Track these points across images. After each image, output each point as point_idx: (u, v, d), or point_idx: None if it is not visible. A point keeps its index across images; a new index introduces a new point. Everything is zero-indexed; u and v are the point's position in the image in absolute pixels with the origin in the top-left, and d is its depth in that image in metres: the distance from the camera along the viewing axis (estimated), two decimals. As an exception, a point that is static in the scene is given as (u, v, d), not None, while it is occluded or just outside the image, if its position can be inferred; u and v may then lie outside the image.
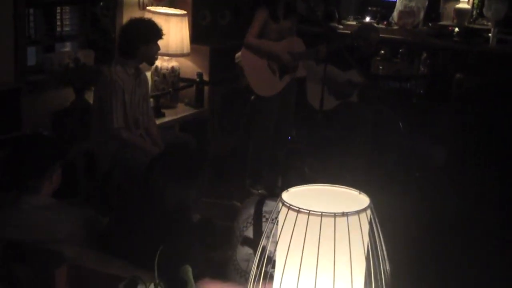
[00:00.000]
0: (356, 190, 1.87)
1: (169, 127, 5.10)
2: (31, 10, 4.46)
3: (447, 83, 6.70)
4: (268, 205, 2.73)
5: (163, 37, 4.30)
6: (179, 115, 5.25)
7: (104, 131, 4.16)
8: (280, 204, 1.80)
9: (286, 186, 1.97)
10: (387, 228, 1.88)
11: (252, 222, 2.78)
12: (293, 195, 1.89)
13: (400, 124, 6.27)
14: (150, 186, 2.58)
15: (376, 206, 1.85)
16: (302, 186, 1.93)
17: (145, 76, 4.45)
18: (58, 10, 4.71)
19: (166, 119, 5.08)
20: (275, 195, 1.83)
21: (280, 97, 4.97)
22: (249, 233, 2.80)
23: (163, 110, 5.16)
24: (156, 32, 4.21)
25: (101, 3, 4.45)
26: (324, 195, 1.90)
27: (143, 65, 4.34)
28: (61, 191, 2.98)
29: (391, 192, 5.13)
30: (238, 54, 4.85)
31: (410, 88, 5.58)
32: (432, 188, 5.28)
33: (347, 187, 1.90)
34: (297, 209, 1.71)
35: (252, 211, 2.82)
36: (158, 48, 4.27)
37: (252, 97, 4.89)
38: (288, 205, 1.75)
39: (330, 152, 5.40)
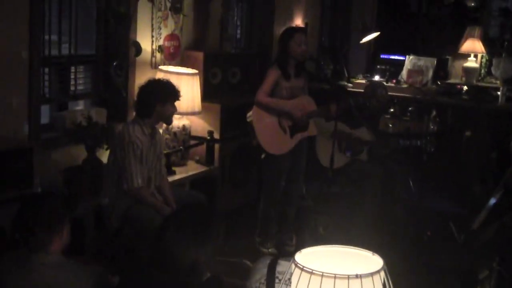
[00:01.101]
0: (369, 251, 1.87)
1: (180, 184, 5.11)
2: (46, 69, 4.53)
3: (457, 141, 6.73)
4: (282, 266, 2.71)
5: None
6: (190, 173, 5.27)
7: (118, 189, 4.19)
8: (293, 266, 1.79)
9: (301, 246, 1.97)
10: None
11: (265, 282, 2.76)
12: (306, 256, 1.88)
13: (411, 182, 6.27)
14: (163, 246, 2.58)
15: (389, 267, 1.84)
16: (315, 247, 1.93)
17: (160, 136, 4.51)
18: (72, 70, 4.79)
19: (177, 177, 5.10)
20: (286, 254, 1.83)
21: (291, 155, 4.98)
22: (262, 293, 2.78)
23: (174, 168, 5.19)
24: (172, 93, 4.28)
25: (115, 63, 4.52)
26: (337, 256, 1.89)
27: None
28: (69, 247, 2.98)
29: (403, 252, 5.10)
30: (250, 112, 4.89)
31: (420, 145, 5.58)
32: (444, 246, 5.24)
33: (360, 248, 1.89)
34: (311, 271, 1.71)
35: (265, 271, 2.80)
36: (174, 109, 4.33)
37: (263, 155, 4.90)
38: (301, 266, 1.75)
39: (342, 210, 5.40)
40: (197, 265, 2.56)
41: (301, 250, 1.87)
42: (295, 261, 1.78)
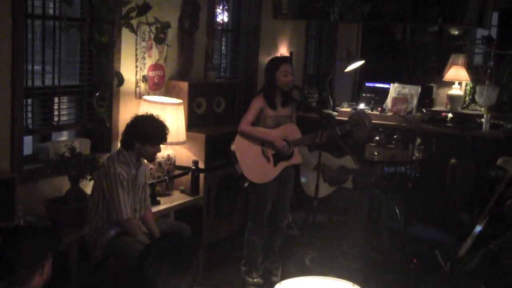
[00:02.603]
0: (349, 282, 1.86)
1: (165, 215, 5.08)
2: (29, 101, 4.51)
3: (442, 168, 6.75)
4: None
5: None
6: (175, 203, 5.24)
7: (105, 220, 4.16)
8: (273, 298, 1.78)
9: (285, 277, 1.96)
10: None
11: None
12: (287, 287, 1.87)
13: (397, 209, 6.27)
14: (142, 274, 2.54)
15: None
16: (296, 278, 1.92)
17: (145, 166, 4.48)
18: (56, 100, 4.77)
19: (161, 207, 5.07)
20: (271, 284, 1.81)
21: (276, 184, 4.97)
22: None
23: (159, 198, 5.16)
24: (153, 136, 4.22)
25: (97, 94, 4.50)
26: (319, 287, 1.88)
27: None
28: (53, 280, 2.94)
29: (389, 280, 5.08)
30: (233, 142, 4.88)
31: (405, 172, 5.59)
32: (430, 274, 5.22)
33: (340, 280, 1.88)
34: (290, 303, 1.69)
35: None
36: (156, 149, 4.30)
37: (246, 184, 4.88)
38: (281, 298, 1.73)
39: (328, 240, 5.38)
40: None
41: (281, 282, 1.86)
42: (275, 293, 1.77)
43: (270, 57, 5.63)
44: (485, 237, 5.07)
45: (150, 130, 4.20)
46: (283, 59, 5.44)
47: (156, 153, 4.36)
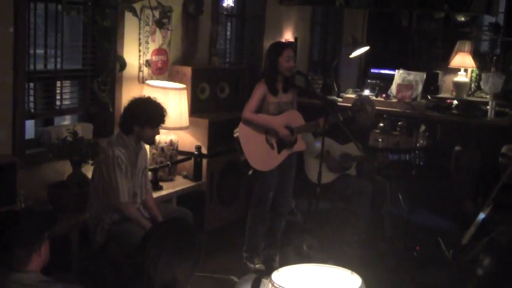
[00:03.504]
0: (348, 270, 1.84)
1: (167, 200, 5.07)
2: (31, 84, 4.49)
3: (446, 155, 6.71)
4: (265, 284, 2.68)
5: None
6: (177, 188, 5.23)
7: (104, 204, 4.15)
8: (270, 285, 1.76)
9: (284, 263, 1.94)
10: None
11: (248, 300, 2.74)
12: (285, 274, 1.86)
13: (400, 197, 6.24)
14: (143, 260, 2.54)
15: (374, 284, 1.81)
16: (294, 265, 1.90)
17: (145, 151, 4.46)
18: (58, 84, 4.74)
19: (163, 192, 5.06)
20: (273, 270, 1.80)
21: (279, 171, 4.95)
22: (244, 310, 2.76)
23: (161, 183, 5.15)
24: (152, 118, 4.18)
25: (99, 78, 4.48)
26: (316, 275, 1.86)
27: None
28: (55, 265, 2.94)
29: (391, 267, 5.07)
30: (237, 129, 4.86)
31: (410, 160, 5.56)
32: (433, 262, 5.21)
33: (339, 267, 1.86)
34: (286, 291, 1.68)
35: (249, 288, 2.79)
36: (155, 132, 4.26)
37: (250, 171, 4.87)
38: (278, 286, 1.72)
39: (329, 226, 5.36)
40: (175, 283, 2.51)
41: (279, 269, 1.84)
42: (272, 280, 1.75)
43: (274, 43, 5.59)
44: (488, 225, 5.05)
45: (148, 112, 4.17)
46: (285, 44, 5.41)
47: (155, 136, 4.32)
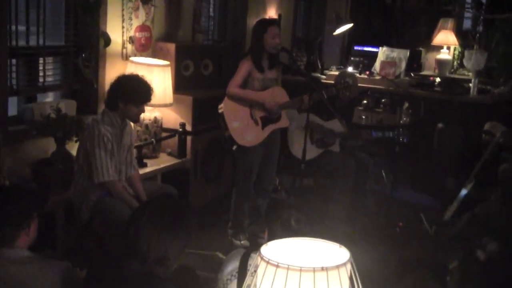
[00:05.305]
0: (336, 244, 1.85)
1: (151, 177, 5.06)
2: (13, 61, 4.44)
3: (429, 132, 6.76)
4: (254, 258, 2.70)
5: None
6: (162, 165, 5.22)
7: (88, 181, 4.13)
8: (259, 259, 1.77)
9: (272, 238, 1.95)
10: (368, 283, 1.85)
11: (237, 275, 2.75)
12: (273, 249, 1.87)
13: (383, 173, 6.29)
14: (132, 238, 2.54)
15: (357, 259, 1.83)
16: (283, 239, 1.91)
17: (131, 127, 4.43)
18: (41, 61, 4.70)
19: (148, 169, 5.05)
20: (259, 246, 1.81)
21: (263, 147, 4.97)
22: (233, 286, 2.78)
23: (146, 160, 5.14)
24: (136, 96, 4.14)
25: (83, 55, 4.43)
26: (305, 249, 1.88)
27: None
28: (40, 242, 2.94)
29: (374, 243, 5.11)
30: (221, 104, 4.86)
31: (393, 137, 5.59)
32: (416, 237, 5.27)
33: (327, 241, 1.88)
34: (276, 263, 1.69)
35: (237, 263, 2.80)
36: (140, 110, 4.21)
37: (234, 147, 4.87)
38: (267, 259, 1.73)
39: (315, 203, 5.40)
40: (167, 258, 2.53)
41: (268, 243, 1.85)
42: (261, 254, 1.76)
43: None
44: (470, 201, 5.11)
45: (133, 90, 4.13)
46: (271, 21, 5.40)
47: (140, 114, 4.29)
